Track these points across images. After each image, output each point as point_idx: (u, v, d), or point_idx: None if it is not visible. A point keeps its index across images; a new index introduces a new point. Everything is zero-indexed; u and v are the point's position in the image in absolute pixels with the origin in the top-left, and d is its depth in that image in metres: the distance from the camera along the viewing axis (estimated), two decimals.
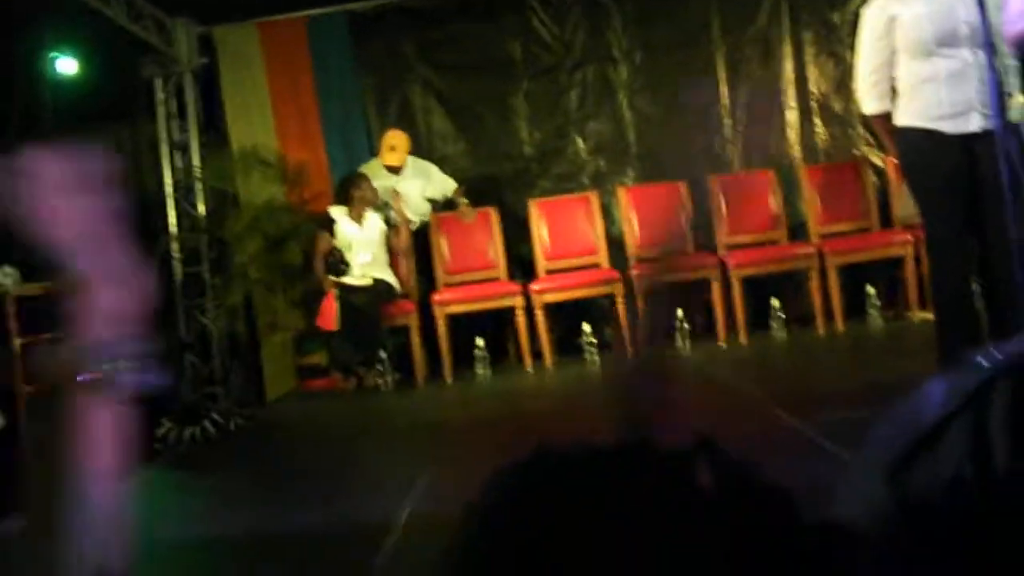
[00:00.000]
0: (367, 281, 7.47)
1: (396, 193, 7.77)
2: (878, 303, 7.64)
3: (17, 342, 6.42)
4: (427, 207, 8.07)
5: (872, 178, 8.02)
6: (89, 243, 0.97)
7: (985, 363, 0.78)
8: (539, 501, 0.60)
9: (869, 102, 4.80)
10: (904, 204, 5.33)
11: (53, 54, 8.35)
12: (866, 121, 7.28)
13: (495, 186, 8.35)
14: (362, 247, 7.56)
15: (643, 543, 0.56)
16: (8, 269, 6.49)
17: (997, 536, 0.69)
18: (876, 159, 8.13)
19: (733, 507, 0.58)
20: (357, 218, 7.58)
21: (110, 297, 0.97)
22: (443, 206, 8.14)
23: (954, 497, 0.71)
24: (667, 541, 0.56)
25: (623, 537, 0.56)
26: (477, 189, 8.15)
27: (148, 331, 0.96)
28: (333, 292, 7.37)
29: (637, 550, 0.56)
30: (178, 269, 8.37)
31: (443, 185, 8.06)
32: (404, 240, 7.72)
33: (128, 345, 0.96)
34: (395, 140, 7.93)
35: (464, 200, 7.96)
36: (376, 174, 7.83)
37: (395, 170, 7.91)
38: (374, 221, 7.62)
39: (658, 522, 0.56)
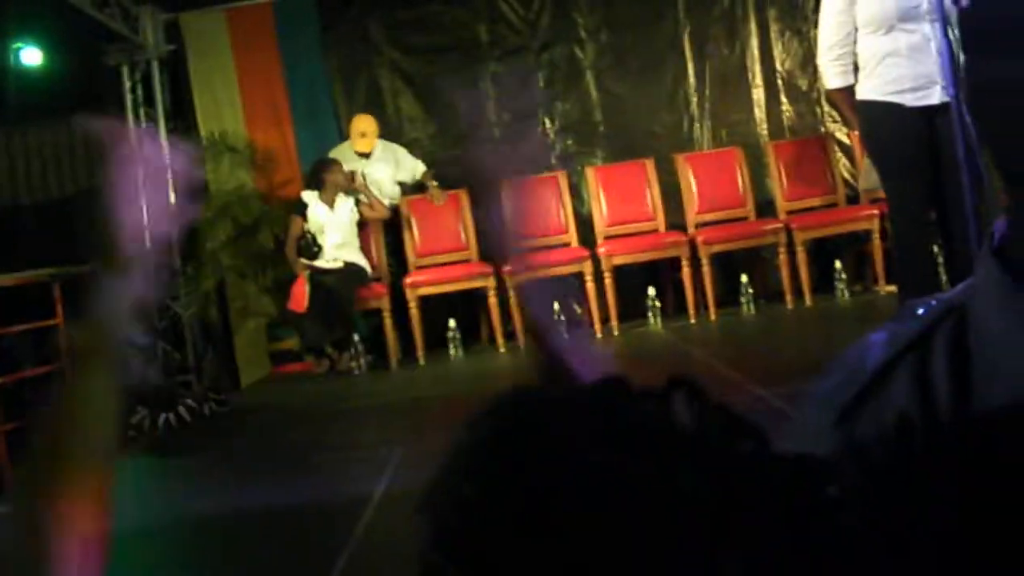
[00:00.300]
0: (338, 264, 7.50)
1: (357, 176, 7.77)
2: (845, 277, 7.71)
3: None
4: (397, 190, 8.08)
5: (838, 154, 8.10)
6: (144, 232, 1.01)
7: (924, 311, 0.81)
8: (519, 442, 0.61)
9: (831, 77, 4.86)
10: (867, 177, 5.38)
11: (16, 44, 8.31)
12: (830, 96, 7.34)
13: (464, 169, 8.36)
14: (334, 230, 7.58)
15: (625, 480, 0.57)
16: None
17: (942, 478, 0.72)
18: (841, 135, 8.21)
19: (711, 441, 0.61)
20: (329, 202, 7.60)
21: (141, 287, 1.01)
22: (413, 189, 8.16)
23: (900, 441, 0.74)
24: (649, 478, 0.57)
25: (605, 476, 0.57)
26: (446, 171, 8.16)
27: (147, 326, 1.02)
28: (304, 275, 7.40)
29: (619, 487, 0.57)
30: None
31: (413, 168, 8.08)
32: (380, 211, 7.74)
33: (140, 335, 1.00)
34: (364, 125, 7.94)
35: (434, 183, 7.98)
36: (346, 158, 7.84)
37: (365, 155, 7.93)
38: (346, 205, 7.64)
39: (639, 459, 0.58)
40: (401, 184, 8.08)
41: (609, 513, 0.57)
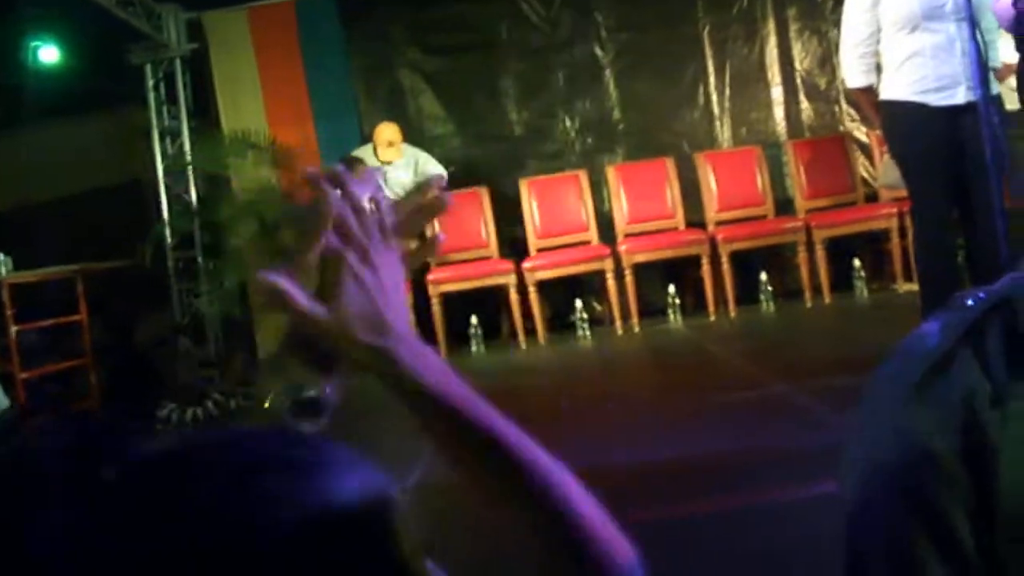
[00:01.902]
0: None
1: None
2: (864, 275, 7.75)
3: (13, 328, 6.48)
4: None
5: (856, 153, 8.13)
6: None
7: (974, 302, 0.86)
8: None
9: (854, 75, 4.88)
10: (886, 174, 5.41)
11: (35, 43, 8.38)
12: (849, 95, 7.37)
13: (485, 166, 8.42)
14: None
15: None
16: None
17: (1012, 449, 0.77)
18: (860, 134, 8.23)
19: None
20: None
21: None
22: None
23: (969, 414, 0.79)
24: None
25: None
26: (467, 170, 8.22)
27: None
28: None
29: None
30: (171, 254, 8.44)
31: (433, 171, 8.12)
32: None
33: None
34: (391, 134, 7.90)
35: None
36: (369, 161, 7.88)
37: (388, 162, 7.96)
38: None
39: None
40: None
41: None
